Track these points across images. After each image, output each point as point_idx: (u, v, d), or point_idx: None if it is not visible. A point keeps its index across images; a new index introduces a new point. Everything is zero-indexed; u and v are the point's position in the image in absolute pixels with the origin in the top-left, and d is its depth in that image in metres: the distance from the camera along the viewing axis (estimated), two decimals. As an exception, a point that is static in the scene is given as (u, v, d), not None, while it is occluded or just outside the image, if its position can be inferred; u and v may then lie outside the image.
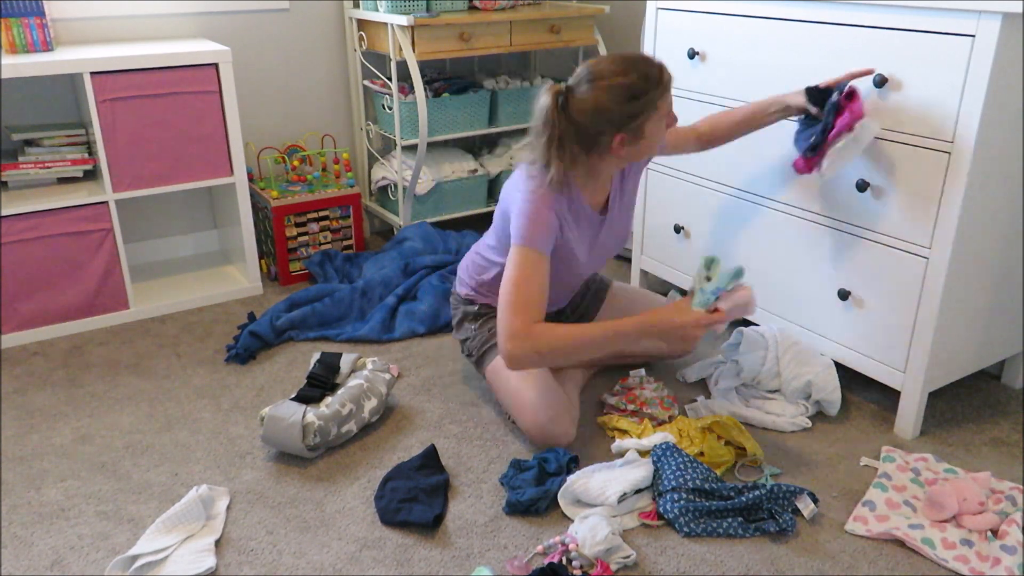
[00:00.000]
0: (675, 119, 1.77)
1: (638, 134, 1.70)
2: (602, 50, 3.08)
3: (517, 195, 1.76)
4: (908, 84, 1.76)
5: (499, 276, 1.89)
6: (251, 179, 2.84)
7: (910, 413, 1.92)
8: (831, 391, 1.98)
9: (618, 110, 1.66)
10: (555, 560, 1.53)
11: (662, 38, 2.36)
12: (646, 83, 1.66)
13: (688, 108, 2.32)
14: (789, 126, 2.02)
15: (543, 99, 1.70)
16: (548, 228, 1.71)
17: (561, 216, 1.76)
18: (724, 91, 2.20)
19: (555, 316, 2.10)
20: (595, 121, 1.68)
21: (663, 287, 2.75)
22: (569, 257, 1.85)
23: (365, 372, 2.02)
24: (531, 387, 1.85)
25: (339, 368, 2.03)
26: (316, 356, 2.05)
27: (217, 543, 1.61)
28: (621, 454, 1.83)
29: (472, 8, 2.92)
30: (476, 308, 2.04)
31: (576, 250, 1.85)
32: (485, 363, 1.99)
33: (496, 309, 1.98)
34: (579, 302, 2.20)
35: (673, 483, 1.67)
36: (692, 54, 2.25)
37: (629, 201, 1.97)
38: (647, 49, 2.42)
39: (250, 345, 2.32)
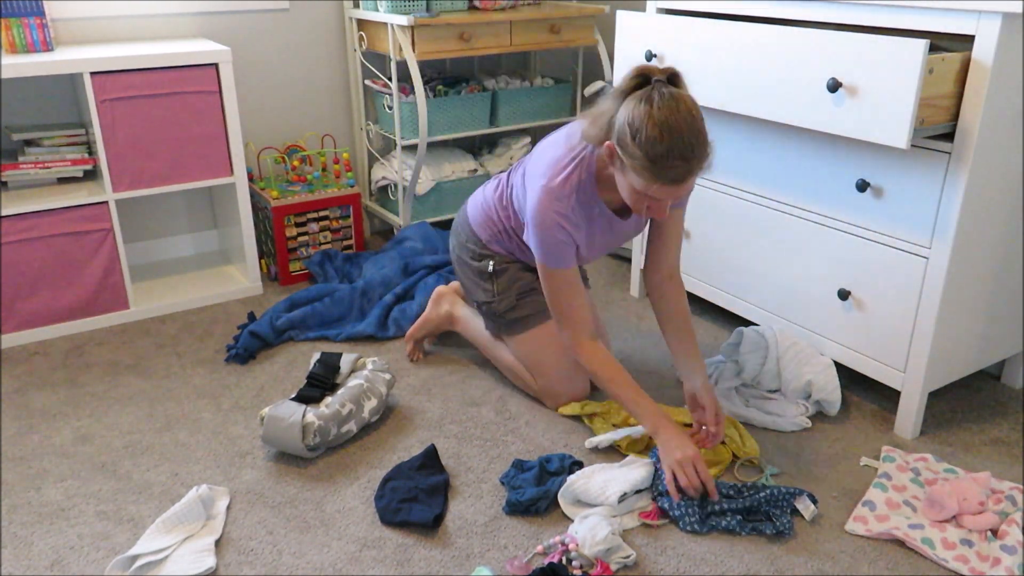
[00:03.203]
0: (660, 213, 1.63)
1: (624, 168, 1.58)
2: (602, 50, 3.08)
3: (535, 209, 1.73)
4: (908, 84, 1.75)
5: (519, 230, 1.95)
6: (251, 179, 2.84)
7: (910, 413, 1.92)
8: (831, 391, 1.98)
9: (630, 143, 1.53)
10: (555, 560, 1.53)
11: (623, 41, 2.30)
12: (666, 160, 1.50)
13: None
14: (790, 127, 2.03)
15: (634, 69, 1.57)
16: (559, 245, 1.76)
17: (570, 218, 1.74)
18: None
19: None
20: (620, 124, 1.56)
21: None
22: (577, 246, 1.83)
23: (365, 372, 2.02)
24: (564, 355, 1.99)
25: (339, 368, 2.03)
26: (316, 356, 2.05)
27: (217, 543, 1.61)
28: (596, 448, 1.87)
29: (472, 8, 2.92)
30: (491, 265, 2.02)
31: (580, 239, 1.82)
32: (513, 332, 2.03)
33: (512, 257, 2.03)
34: None
35: None
36: (649, 56, 2.22)
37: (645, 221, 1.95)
38: (617, 51, 2.36)
39: (250, 345, 2.32)
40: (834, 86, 1.71)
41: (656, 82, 1.53)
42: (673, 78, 1.56)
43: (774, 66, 1.86)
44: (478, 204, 2.08)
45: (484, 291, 2.06)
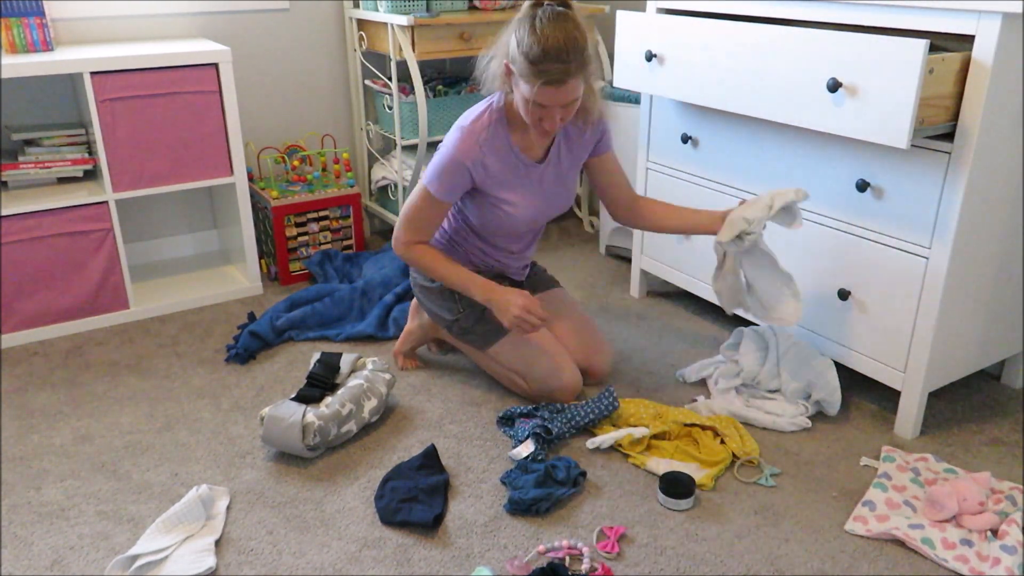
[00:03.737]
0: (552, 124, 1.79)
1: (516, 81, 1.76)
2: (602, 50, 3.07)
3: (446, 141, 1.89)
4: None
5: (463, 231, 2.06)
6: (251, 179, 2.84)
7: (910, 413, 1.92)
8: (831, 391, 1.97)
9: (516, 54, 1.72)
10: (557, 558, 1.53)
11: (623, 41, 2.31)
12: (543, 62, 1.69)
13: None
14: (790, 127, 2.03)
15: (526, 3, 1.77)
16: (456, 171, 1.87)
17: (481, 166, 1.87)
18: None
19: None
20: (507, 46, 1.77)
21: (663, 287, 2.75)
22: (502, 202, 1.93)
23: (365, 372, 2.02)
24: (544, 350, 2.02)
25: (339, 368, 2.03)
26: (316, 356, 2.05)
27: (217, 543, 1.61)
28: (598, 448, 1.88)
29: (472, 8, 2.92)
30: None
31: (507, 195, 1.91)
32: (488, 343, 2.05)
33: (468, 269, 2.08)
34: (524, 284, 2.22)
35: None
36: (649, 56, 2.22)
37: (574, 163, 2.03)
38: (617, 51, 2.36)
39: (250, 345, 2.32)
40: (834, 86, 1.71)
41: (547, 4, 1.72)
42: (565, 4, 1.74)
43: (774, 66, 1.86)
44: None
45: (448, 310, 2.06)
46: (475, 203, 1.97)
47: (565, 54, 1.69)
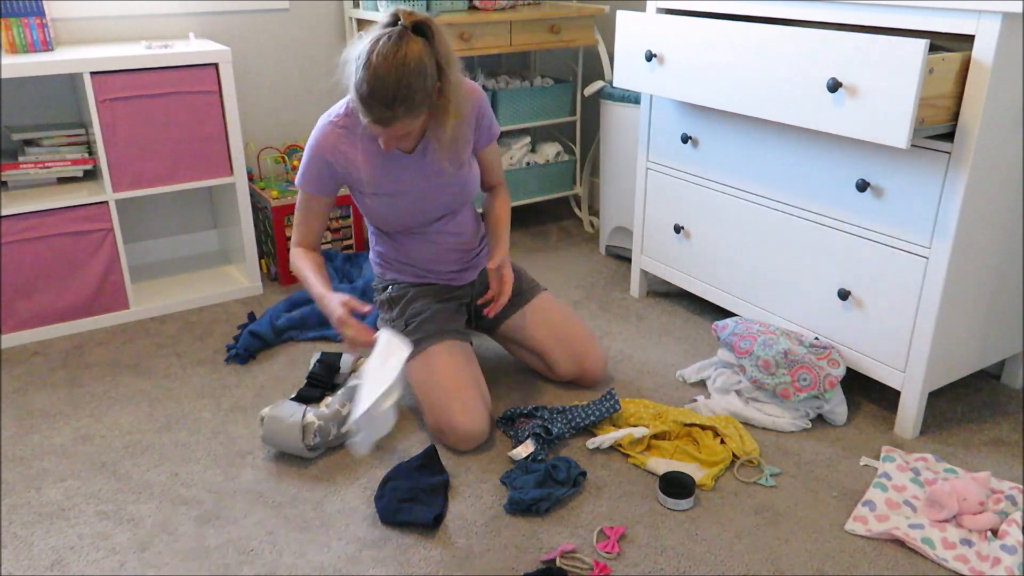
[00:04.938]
0: (387, 146, 1.78)
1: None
2: (602, 50, 3.08)
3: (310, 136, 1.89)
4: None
5: (382, 244, 2.06)
6: (251, 179, 2.84)
7: (910, 413, 1.92)
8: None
9: (353, 78, 1.67)
10: (551, 559, 1.53)
11: (623, 41, 2.31)
12: (370, 101, 1.64)
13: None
14: (790, 127, 2.03)
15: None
16: (318, 173, 1.87)
17: (343, 156, 1.85)
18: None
19: (464, 300, 2.10)
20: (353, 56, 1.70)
21: (663, 287, 2.75)
22: (381, 193, 1.90)
23: (365, 372, 2.02)
24: (445, 387, 1.88)
25: (339, 368, 2.03)
26: (316, 356, 2.05)
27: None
28: (598, 448, 1.87)
29: (472, 8, 2.92)
30: (390, 290, 2.05)
31: (382, 186, 1.89)
32: (411, 356, 1.90)
33: (407, 281, 2.06)
34: (483, 291, 2.09)
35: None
36: (649, 56, 2.22)
37: (457, 149, 1.90)
38: (617, 51, 2.35)
39: (250, 345, 2.32)
40: (834, 86, 1.71)
41: (398, 26, 1.63)
42: (420, 26, 1.65)
43: (774, 66, 1.86)
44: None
45: (386, 321, 2.04)
46: (359, 201, 1.97)
47: (391, 100, 1.61)
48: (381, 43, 1.61)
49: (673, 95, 2.17)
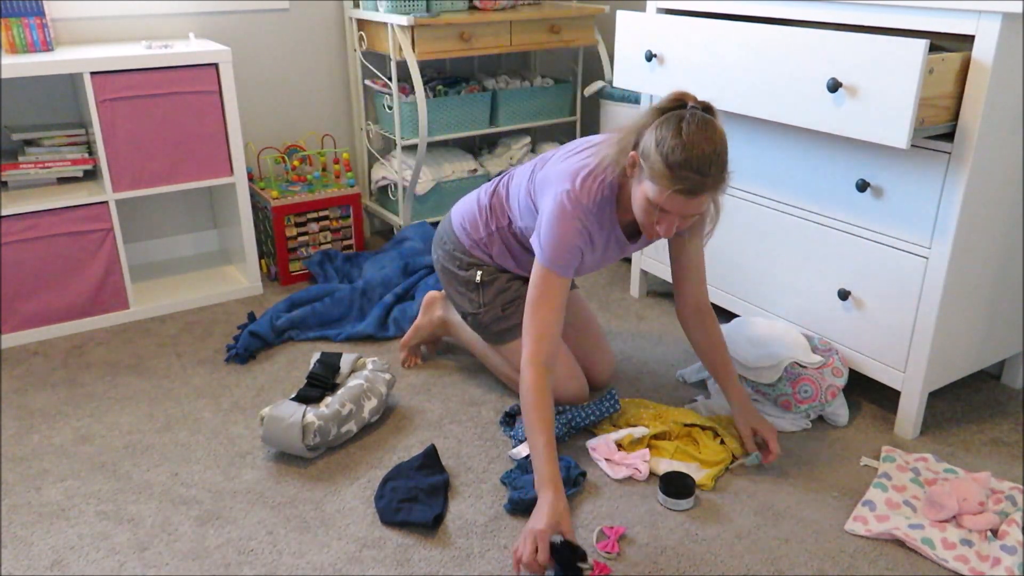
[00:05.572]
0: (668, 231, 1.64)
1: (641, 177, 1.61)
2: (602, 50, 3.08)
3: (551, 198, 1.72)
4: (908, 84, 1.75)
5: (506, 231, 1.96)
6: (251, 179, 2.84)
7: (910, 413, 1.92)
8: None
9: (653, 151, 1.56)
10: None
11: (623, 41, 2.30)
12: (682, 169, 1.53)
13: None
14: (790, 127, 2.03)
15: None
16: (572, 252, 1.71)
17: (589, 230, 1.72)
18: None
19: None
20: (649, 137, 1.59)
21: (663, 287, 2.75)
22: (581, 262, 1.80)
23: (365, 372, 2.02)
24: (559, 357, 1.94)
25: (339, 368, 2.03)
26: (316, 356, 2.05)
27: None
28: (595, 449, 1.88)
29: (472, 8, 2.92)
30: (479, 275, 2.01)
31: (588, 257, 1.80)
32: (502, 341, 2.02)
33: (499, 267, 2.01)
34: None
35: None
36: (649, 56, 2.22)
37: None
38: (617, 51, 2.35)
39: (250, 345, 2.32)
40: (834, 86, 1.71)
41: (691, 107, 1.58)
42: (708, 108, 1.60)
43: (774, 66, 1.86)
44: (468, 208, 2.05)
45: (470, 302, 2.04)
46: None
47: (708, 167, 1.53)
48: (688, 116, 1.55)
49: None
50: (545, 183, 1.78)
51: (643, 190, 1.61)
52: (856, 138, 1.74)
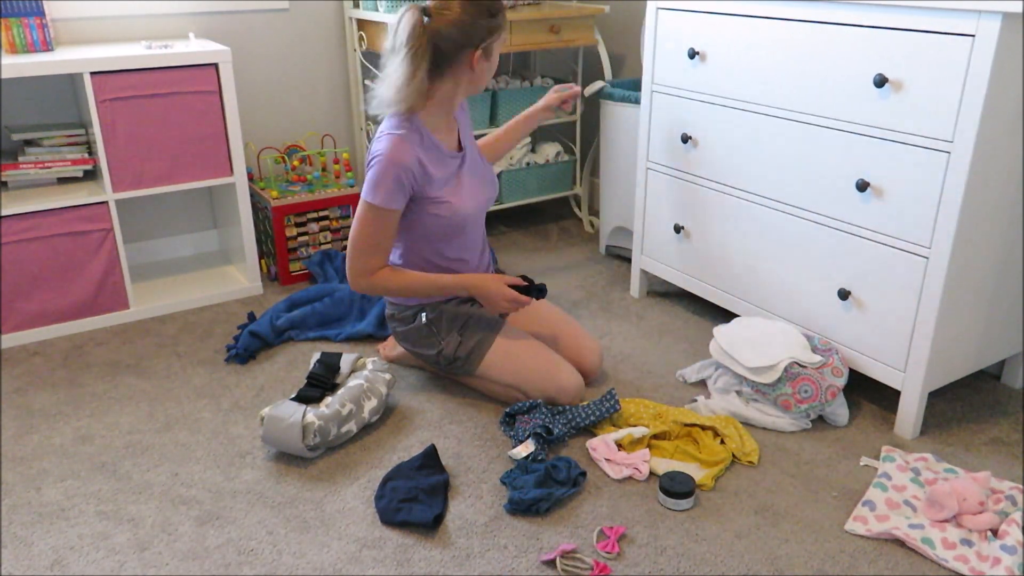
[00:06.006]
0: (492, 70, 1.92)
1: (489, 54, 1.86)
2: (602, 50, 3.07)
3: (379, 149, 1.87)
4: (908, 84, 1.75)
5: (413, 254, 2.04)
6: (251, 179, 2.84)
7: (910, 413, 1.92)
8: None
9: (480, 24, 1.80)
10: (551, 559, 1.53)
11: (662, 38, 2.36)
12: (497, 3, 1.83)
13: (688, 108, 2.32)
14: (791, 129, 2.03)
15: (406, 17, 1.79)
16: (398, 186, 1.85)
17: (418, 163, 1.87)
18: (724, 90, 2.20)
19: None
20: (458, 35, 1.80)
21: (663, 287, 2.76)
22: (442, 201, 1.93)
23: (365, 372, 2.02)
24: (534, 356, 2.01)
25: (339, 368, 2.03)
26: (316, 356, 2.05)
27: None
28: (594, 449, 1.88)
29: (472, 8, 2.92)
30: (424, 315, 2.04)
31: (444, 192, 1.92)
32: (474, 365, 2.03)
33: (437, 303, 2.06)
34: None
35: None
36: (692, 54, 2.25)
37: (475, 145, 2.09)
38: (647, 50, 2.42)
39: (250, 345, 2.32)
40: (880, 82, 1.77)
41: (418, 5, 1.80)
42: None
43: (819, 63, 1.94)
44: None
45: (430, 344, 2.05)
46: (416, 214, 1.94)
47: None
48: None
49: (716, 94, 2.21)
50: (372, 146, 1.93)
51: (495, 50, 1.88)
52: (901, 133, 1.79)
